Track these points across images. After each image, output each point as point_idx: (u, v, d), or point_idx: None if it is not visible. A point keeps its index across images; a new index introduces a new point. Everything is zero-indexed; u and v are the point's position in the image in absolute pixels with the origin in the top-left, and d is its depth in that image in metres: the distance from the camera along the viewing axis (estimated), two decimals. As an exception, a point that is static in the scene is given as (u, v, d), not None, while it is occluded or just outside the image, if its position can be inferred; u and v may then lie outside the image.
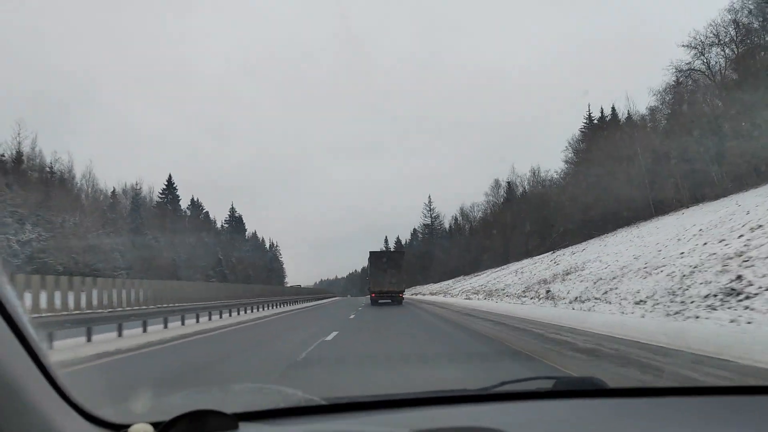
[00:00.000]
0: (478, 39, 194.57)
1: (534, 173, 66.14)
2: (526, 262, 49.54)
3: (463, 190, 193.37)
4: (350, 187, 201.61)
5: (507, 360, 8.51)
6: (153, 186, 76.93)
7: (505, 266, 56.09)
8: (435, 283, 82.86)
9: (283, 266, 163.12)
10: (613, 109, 53.37)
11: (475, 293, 43.43)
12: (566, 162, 57.17)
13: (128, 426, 1.23)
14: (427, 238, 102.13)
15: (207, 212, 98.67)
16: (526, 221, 59.16)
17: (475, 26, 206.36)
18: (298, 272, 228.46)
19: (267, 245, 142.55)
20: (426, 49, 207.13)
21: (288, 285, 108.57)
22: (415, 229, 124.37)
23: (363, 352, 10.24)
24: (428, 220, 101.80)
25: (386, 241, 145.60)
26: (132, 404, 1.59)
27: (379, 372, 7.31)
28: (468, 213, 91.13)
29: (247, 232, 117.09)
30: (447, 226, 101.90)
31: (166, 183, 77.80)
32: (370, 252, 39.42)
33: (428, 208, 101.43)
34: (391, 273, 36.13)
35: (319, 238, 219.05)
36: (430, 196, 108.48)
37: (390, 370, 7.44)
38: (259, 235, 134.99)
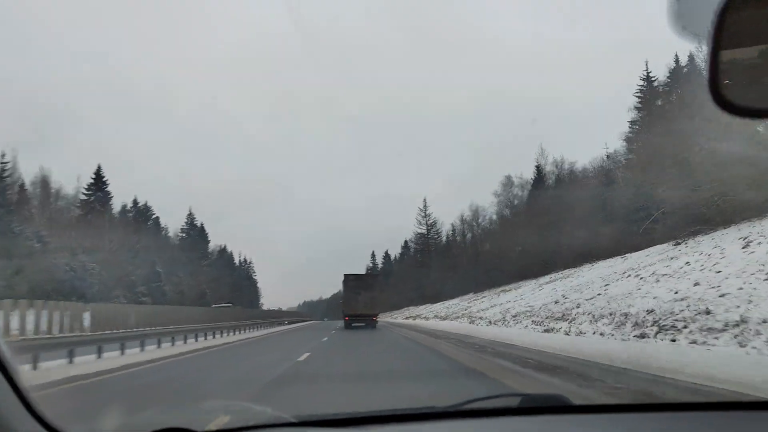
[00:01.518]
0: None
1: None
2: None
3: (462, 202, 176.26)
4: (337, 204, 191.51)
5: None
6: (81, 177, 60.65)
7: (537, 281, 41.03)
8: (433, 303, 66.97)
9: (258, 285, 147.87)
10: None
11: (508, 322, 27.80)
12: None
13: None
14: (423, 249, 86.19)
15: (157, 218, 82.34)
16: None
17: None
18: (282, 294, 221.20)
19: (237, 261, 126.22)
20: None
21: (263, 307, 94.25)
22: (406, 242, 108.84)
23: None
24: (423, 229, 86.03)
25: (373, 256, 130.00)
26: (101, 422, 1.61)
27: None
28: (469, 219, 75.64)
29: (211, 245, 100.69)
30: (445, 236, 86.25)
31: (94, 177, 61.35)
32: (345, 275, 38.63)
33: (423, 214, 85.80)
34: (365, 296, 35.72)
35: (304, 258, 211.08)
36: (425, 200, 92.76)
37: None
38: (231, 251, 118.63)
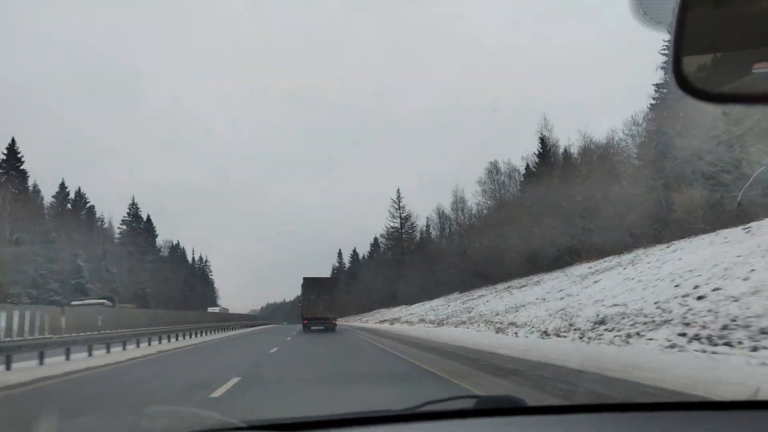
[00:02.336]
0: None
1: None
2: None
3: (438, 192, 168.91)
4: (304, 206, 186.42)
5: None
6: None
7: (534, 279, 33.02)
8: (409, 305, 58.55)
9: (215, 286, 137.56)
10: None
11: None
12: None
13: None
14: (394, 246, 77.63)
15: (92, 206, 71.83)
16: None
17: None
18: (246, 297, 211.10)
19: (191, 259, 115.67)
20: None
21: (218, 309, 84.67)
22: (376, 239, 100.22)
23: None
24: (396, 222, 77.39)
25: (340, 255, 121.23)
26: (38, 428, 1.45)
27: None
28: (447, 212, 67.40)
29: (160, 241, 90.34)
30: (419, 232, 77.85)
31: (6, 151, 51.04)
32: (304, 278, 38.73)
33: (396, 206, 77.20)
34: (324, 299, 36.01)
35: (269, 260, 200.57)
36: (399, 191, 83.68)
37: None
38: (184, 248, 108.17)
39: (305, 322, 36.36)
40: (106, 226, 74.02)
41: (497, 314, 25.88)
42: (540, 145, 42.46)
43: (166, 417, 2.13)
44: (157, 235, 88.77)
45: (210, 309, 66.78)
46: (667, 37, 1.09)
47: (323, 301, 36.01)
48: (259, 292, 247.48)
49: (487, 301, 33.37)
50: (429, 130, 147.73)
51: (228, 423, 1.68)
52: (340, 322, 41.43)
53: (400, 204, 77.24)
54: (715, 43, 1.06)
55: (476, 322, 26.83)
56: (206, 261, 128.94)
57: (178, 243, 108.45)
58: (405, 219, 76.73)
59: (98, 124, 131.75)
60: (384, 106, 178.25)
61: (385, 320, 50.98)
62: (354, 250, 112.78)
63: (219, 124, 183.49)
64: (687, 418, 1.86)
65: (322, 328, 35.34)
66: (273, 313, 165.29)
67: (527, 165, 50.24)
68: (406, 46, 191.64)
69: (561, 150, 41.62)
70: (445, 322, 29.67)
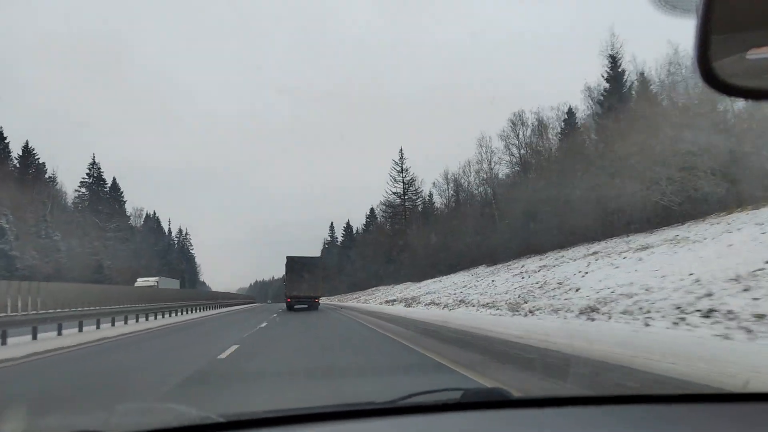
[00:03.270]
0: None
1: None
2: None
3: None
4: (296, 182, 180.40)
5: None
6: None
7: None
8: (417, 282, 48.87)
9: (196, 261, 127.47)
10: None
11: None
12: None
13: None
14: (395, 215, 67.48)
15: (43, 164, 61.16)
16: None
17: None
18: (233, 274, 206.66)
19: (169, 232, 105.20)
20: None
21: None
22: (372, 209, 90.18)
23: None
24: (399, 187, 67.13)
25: (332, 229, 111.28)
26: (2, 425, 1.38)
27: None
28: (460, 176, 57.28)
29: (130, 208, 79.91)
30: (424, 199, 67.64)
31: None
32: (287, 257, 38.57)
33: (399, 168, 66.86)
34: (308, 278, 36.37)
35: (258, 237, 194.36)
36: (401, 150, 69.81)
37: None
38: (158, 217, 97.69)
39: (288, 300, 36.76)
40: (59, 187, 63.16)
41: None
42: (609, 67, 31.76)
43: (138, 413, 2.10)
44: (124, 202, 78.30)
45: (140, 280, 52.62)
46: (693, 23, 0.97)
47: (306, 281, 36.42)
48: (249, 269, 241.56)
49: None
50: (432, 103, 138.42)
51: (207, 418, 1.63)
52: (328, 301, 41.93)
53: (403, 166, 66.89)
54: (744, 32, 0.97)
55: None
56: (186, 234, 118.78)
57: (154, 213, 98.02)
58: (408, 183, 66.46)
59: (79, 94, 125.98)
60: (383, 76, 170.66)
61: (392, 300, 41.13)
62: (347, 223, 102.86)
63: (208, 98, 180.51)
64: (678, 410, 1.83)
65: (306, 306, 36.01)
66: (261, 291, 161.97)
67: (569, 110, 40.24)
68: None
69: (633, 77, 31.13)
70: (532, 308, 19.31)
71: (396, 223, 66.84)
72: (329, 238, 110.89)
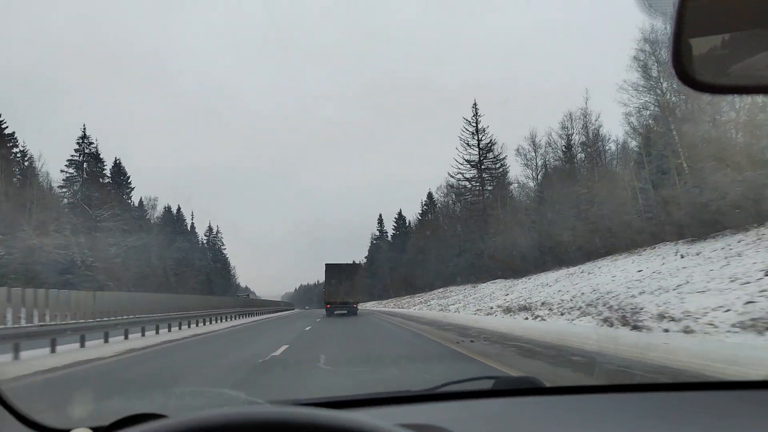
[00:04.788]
0: None
1: None
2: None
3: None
4: (342, 185, 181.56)
5: None
6: None
7: None
8: (517, 278, 32.72)
9: (229, 262, 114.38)
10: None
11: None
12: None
13: (68, 430, 1.22)
14: (467, 194, 50.94)
15: (11, 135, 47.76)
16: None
17: None
18: (277, 278, 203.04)
19: (192, 228, 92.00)
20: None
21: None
22: (430, 193, 74.20)
23: None
24: (473, 152, 50.33)
25: (380, 222, 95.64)
26: (72, 409, 1.59)
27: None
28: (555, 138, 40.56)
29: (138, 195, 66.78)
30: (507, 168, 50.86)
31: None
32: (326, 264, 39.76)
33: (473, 127, 50.22)
34: (346, 284, 37.28)
35: (301, 239, 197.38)
36: (475, 104, 51.75)
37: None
38: (177, 208, 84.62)
39: (328, 306, 37.59)
40: (39, 168, 49.61)
41: None
42: None
43: (192, 396, 2.39)
44: (130, 188, 64.69)
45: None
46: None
47: (345, 286, 37.17)
48: (294, 273, 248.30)
49: None
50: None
51: (253, 402, 1.68)
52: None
53: (478, 125, 50.21)
54: (717, 30, 1.05)
55: None
56: (218, 232, 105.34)
57: (179, 208, 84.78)
58: (486, 149, 49.74)
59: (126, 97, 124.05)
60: (429, 71, 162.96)
61: (487, 308, 25.05)
62: (399, 213, 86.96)
63: (254, 100, 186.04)
64: (705, 397, 1.86)
65: (345, 312, 36.26)
66: (306, 295, 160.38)
67: None
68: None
69: None
70: None
71: (470, 204, 50.37)
72: (377, 233, 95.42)
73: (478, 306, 28.44)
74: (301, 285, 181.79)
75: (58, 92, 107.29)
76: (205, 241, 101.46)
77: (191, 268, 77.76)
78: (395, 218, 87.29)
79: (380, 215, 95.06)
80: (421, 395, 1.88)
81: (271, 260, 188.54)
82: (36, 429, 1.21)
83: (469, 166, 49.50)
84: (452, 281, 50.83)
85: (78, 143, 54.22)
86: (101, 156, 58.58)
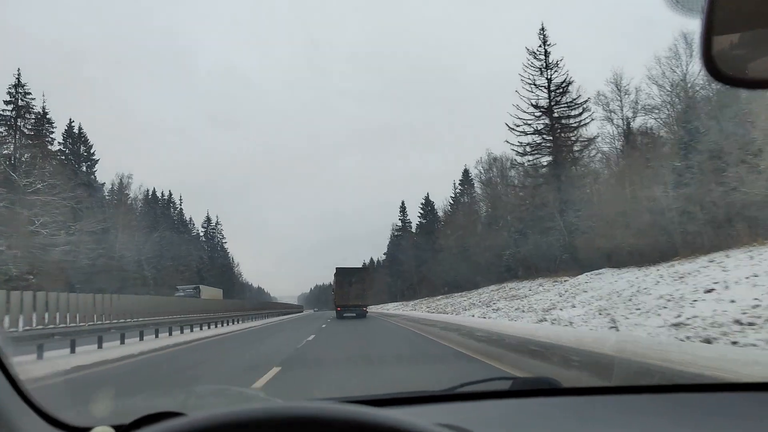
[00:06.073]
0: None
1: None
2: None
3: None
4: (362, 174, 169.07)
5: None
6: None
7: None
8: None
9: (231, 258, 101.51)
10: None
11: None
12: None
13: (89, 429, 1.24)
14: (536, 149, 36.23)
15: None
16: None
17: None
18: (293, 279, 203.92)
19: (190, 222, 79.30)
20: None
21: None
22: (466, 170, 60.56)
23: None
24: (542, 95, 35.39)
25: (402, 210, 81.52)
26: (93, 407, 1.60)
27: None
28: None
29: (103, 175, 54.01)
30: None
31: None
32: (336, 268, 40.43)
33: (539, 58, 35.54)
34: (356, 288, 37.66)
35: (317, 240, 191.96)
36: (543, 27, 36.52)
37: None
38: (162, 192, 72.00)
39: (338, 309, 37.79)
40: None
41: None
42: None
43: (212, 395, 2.25)
44: (93, 161, 51.57)
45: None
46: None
47: (355, 290, 37.48)
48: (311, 273, 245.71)
49: None
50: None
51: (272, 401, 1.57)
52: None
53: (548, 56, 35.56)
54: (748, 25, 1.04)
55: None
56: (217, 223, 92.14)
57: (170, 194, 71.92)
58: (561, 89, 35.12)
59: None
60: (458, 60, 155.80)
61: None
62: (426, 198, 72.74)
63: (274, 95, 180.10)
64: (722, 398, 1.84)
65: (354, 315, 36.20)
66: (320, 296, 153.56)
67: None
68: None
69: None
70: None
71: (536, 168, 35.96)
72: (400, 224, 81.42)
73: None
74: (317, 285, 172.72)
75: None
76: (201, 233, 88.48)
77: (178, 261, 64.62)
78: (421, 204, 73.20)
79: (402, 203, 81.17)
80: (439, 395, 1.88)
81: (289, 260, 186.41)
82: (58, 427, 1.22)
83: (535, 114, 35.01)
84: (497, 279, 37.15)
85: (10, 93, 41.03)
86: (49, 116, 45.58)
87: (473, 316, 24.45)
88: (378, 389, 7.66)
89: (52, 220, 38.72)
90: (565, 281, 26.38)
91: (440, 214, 68.96)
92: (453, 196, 63.83)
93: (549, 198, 31.93)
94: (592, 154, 33.74)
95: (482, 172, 54.81)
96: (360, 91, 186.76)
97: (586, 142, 33.09)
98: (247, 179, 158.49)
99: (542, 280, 30.30)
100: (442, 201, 77.24)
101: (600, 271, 24.10)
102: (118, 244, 48.27)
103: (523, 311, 20.75)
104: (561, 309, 17.75)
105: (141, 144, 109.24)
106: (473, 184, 59.45)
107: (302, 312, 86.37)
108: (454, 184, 63.86)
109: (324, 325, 24.82)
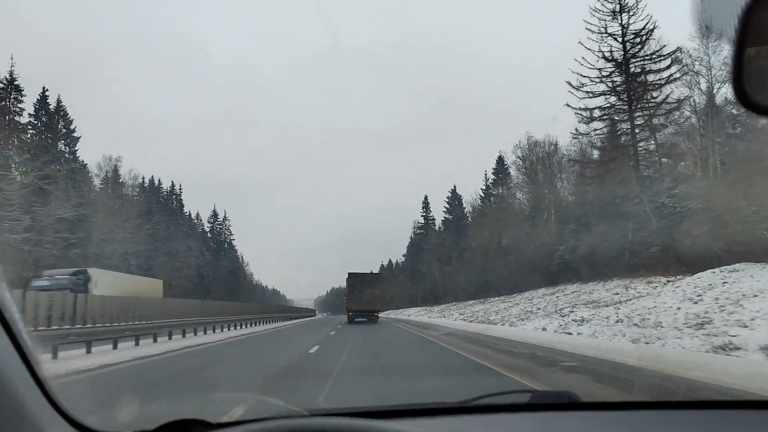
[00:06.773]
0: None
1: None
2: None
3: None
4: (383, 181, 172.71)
5: None
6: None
7: None
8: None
9: (241, 258, 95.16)
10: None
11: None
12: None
13: None
14: (605, 115, 28.56)
15: None
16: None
17: None
18: (312, 283, 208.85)
19: (197, 217, 72.89)
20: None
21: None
22: (501, 158, 53.19)
23: None
24: (616, 48, 27.65)
25: (425, 206, 74.05)
26: (118, 412, 1.59)
27: None
28: None
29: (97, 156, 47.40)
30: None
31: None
32: (349, 273, 40.82)
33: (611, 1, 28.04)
34: (368, 293, 38.04)
35: (334, 243, 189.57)
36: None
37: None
38: (158, 180, 65.55)
39: (350, 314, 38.22)
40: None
41: None
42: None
43: (231, 403, 2.33)
44: (72, 138, 44.92)
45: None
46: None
47: (366, 295, 37.77)
48: (328, 276, 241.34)
49: None
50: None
51: (292, 411, 1.72)
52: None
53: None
54: None
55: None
56: (225, 219, 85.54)
57: (171, 184, 65.48)
58: (641, 37, 27.17)
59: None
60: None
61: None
62: (453, 191, 65.15)
63: (292, 98, 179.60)
64: (745, 416, 1.78)
65: (365, 320, 36.98)
66: (336, 300, 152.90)
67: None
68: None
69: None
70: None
71: (608, 136, 28.25)
72: (422, 220, 73.98)
73: None
74: (333, 288, 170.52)
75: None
76: (207, 229, 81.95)
77: (175, 258, 57.91)
78: (447, 197, 65.65)
79: (425, 197, 73.80)
80: (457, 407, 1.85)
81: (307, 264, 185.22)
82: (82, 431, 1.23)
83: (606, 68, 27.25)
84: (564, 276, 29.42)
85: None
86: (17, 82, 39.12)
87: (544, 329, 16.96)
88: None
89: (8, 201, 32.06)
90: (670, 281, 18.80)
91: (468, 209, 61.55)
92: (484, 187, 56.30)
93: (627, 175, 24.35)
94: (681, 120, 26.14)
95: (521, 159, 47.28)
96: (378, 89, 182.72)
97: (676, 104, 25.46)
98: (267, 181, 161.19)
99: (621, 281, 22.76)
100: (469, 196, 69.77)
101: (734, 266, 16.50)
102: (97, 234, 41.54)
103: (644, 327, 13.24)
104: (738, 326, 10.21)
105: (159, 142, 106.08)
106: (509, 172, 51.94)
107: (314, 316, 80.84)
108: (485, 175, 56.39)
109: (332, 333, 22.81)
